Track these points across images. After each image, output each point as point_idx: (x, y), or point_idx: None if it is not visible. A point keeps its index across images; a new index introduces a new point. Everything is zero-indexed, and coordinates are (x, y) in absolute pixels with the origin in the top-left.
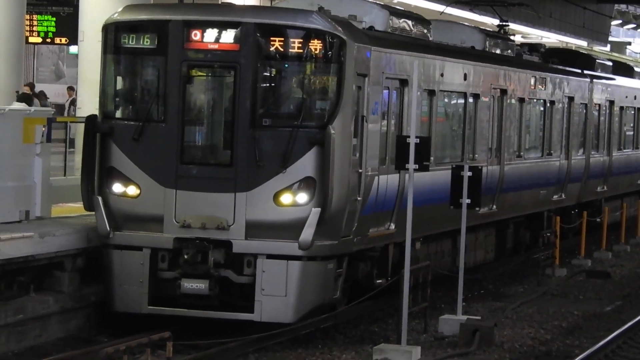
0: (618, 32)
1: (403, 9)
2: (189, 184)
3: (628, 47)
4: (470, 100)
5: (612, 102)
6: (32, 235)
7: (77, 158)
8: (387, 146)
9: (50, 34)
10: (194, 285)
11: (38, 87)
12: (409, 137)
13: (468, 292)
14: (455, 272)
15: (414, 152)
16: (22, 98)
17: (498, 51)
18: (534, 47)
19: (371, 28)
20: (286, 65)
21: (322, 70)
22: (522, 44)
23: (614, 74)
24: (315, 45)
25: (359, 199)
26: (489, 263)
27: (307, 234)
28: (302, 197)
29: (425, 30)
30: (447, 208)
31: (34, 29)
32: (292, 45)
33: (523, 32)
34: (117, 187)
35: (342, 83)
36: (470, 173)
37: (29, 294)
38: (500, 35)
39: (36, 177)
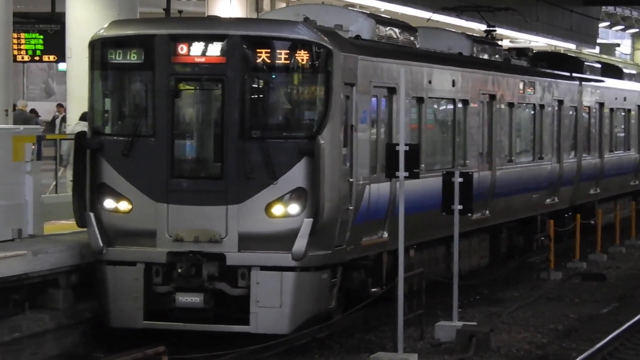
0: (607, 34)
1: (389, 17)
2: (180, 197)
3: (617, 48)
4: (460, 106)
5: (601, 104)
6: (25, 254)
7: (68, 174)
8: (377, 154)
9: (38, 52)
10: (189, 299)
11: (29, 105)
12: (398, 144)
13: (463, 298)
14: (450, 278)
15: (404, 160)
16: (86, 117)
17: (486, 57)
18: (522, 52)
19: (358, 37)
20: (273, 77)
21: (310, 81)
22: (510, 49)
23: (603, 76)
24: (302, 56)
25: (350, 208)
26: (483, 268)
27: (300, 244)
28: (294, 208)
29: (412, 38)
30: (439, 215)
31: (22, 47)
32: (279, 56)
33: (511, 37)
34: (109, 203)
35: (330, 93)
36: (462, 179)
37: (24, 312)
38: (488, 40)
39: (27, 195)
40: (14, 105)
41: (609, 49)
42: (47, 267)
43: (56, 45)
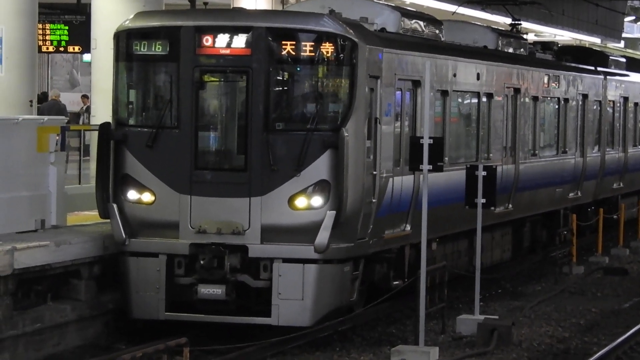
0: (632, 28)
1: (415, 10)
2: (203, 189)
3: None
4: (484, 99)
5: (626, 99)
6: (48, 244)
7: (92, 165)
8: (401, 147)
9: (63, 43)
10: (211, 291)
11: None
12: (422, 138)
13: (485, 292)
14: (472, 271)
15: (428, 153)
16: None
17: (511, 50)
18: (547, 45)
19: (383, 30)
20: (298, 69)
21: (334, 73)
22: (535, 43)
23: (627, 70)
24: (327, 48)
25: (374, 201)
26: (506, 262)
27: (323, 237)
28: (317, 201)
29: (437, 31)
30: (462, 208)
31: (47, 38)
32: (304, 48)
33: (536, 31)
34: (132, 194)
35: (354, 85)
36: (485, 172)
37: (47, 302)
38: (513, 34)
39: (51, 185)
40: (45, 95)
41: (634, 43)
42: (70, 258)
43: (81, 36)
